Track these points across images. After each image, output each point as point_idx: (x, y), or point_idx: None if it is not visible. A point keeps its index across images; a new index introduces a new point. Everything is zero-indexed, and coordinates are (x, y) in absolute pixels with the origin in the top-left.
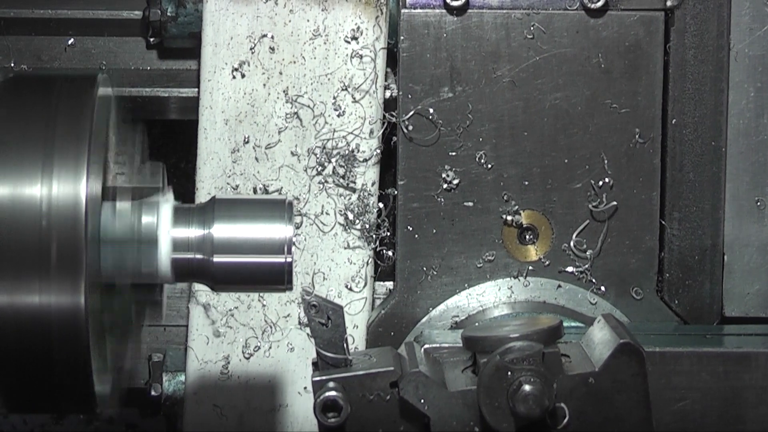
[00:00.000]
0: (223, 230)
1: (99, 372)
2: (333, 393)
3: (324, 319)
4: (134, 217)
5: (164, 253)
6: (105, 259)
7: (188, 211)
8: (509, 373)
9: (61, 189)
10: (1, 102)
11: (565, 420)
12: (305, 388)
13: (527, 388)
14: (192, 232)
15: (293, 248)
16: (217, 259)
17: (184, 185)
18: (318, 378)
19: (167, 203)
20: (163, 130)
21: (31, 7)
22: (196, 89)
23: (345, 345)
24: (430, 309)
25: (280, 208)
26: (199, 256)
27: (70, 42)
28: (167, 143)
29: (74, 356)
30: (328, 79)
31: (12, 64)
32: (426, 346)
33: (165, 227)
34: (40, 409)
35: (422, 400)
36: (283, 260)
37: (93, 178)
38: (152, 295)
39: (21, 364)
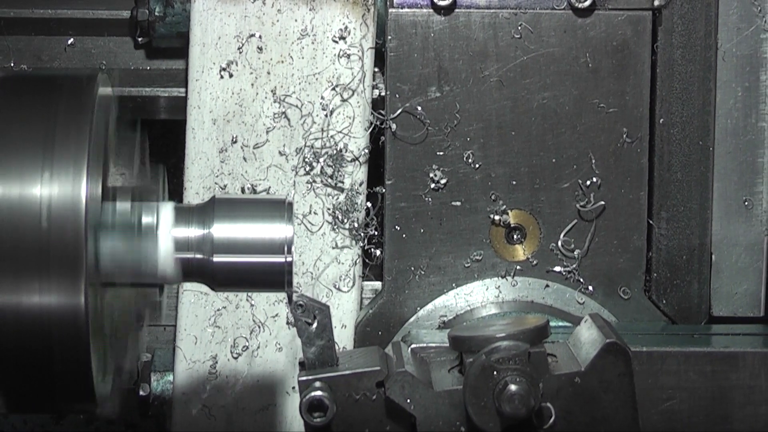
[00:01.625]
0: (222, 230)
1: (99, 372)
2: (319, 393)
3: (311, 319)
4: (134, 217)
5: (164, 253)
6: (105, 259)
7: (188, 211)
8: (495, 372)
9: (61, 189)
10: (2, 102)
11: (552, 420)
12: (293, 387)
13: (513, 387)
14: (192, 232)
15: (293, 248)
16: (217, 259)
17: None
18: (304, 378)
19: (167, 203)
20: (163, 130)
21: (31, 7)
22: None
23: (332, 344)
24: (418, 308)
25: (280, 208)
26: (199, 256)
27: (70, 42)
28: (167, 143)
29: (74, 356)
30: (316, 79)
31: (12, 64)
32: (413, 345)
33: (165, 227)
34: (40, 409)
35: (408, 400)
36: (282, 260)
37: (93, 178)
38: (152, 295)
39: (21, 364)
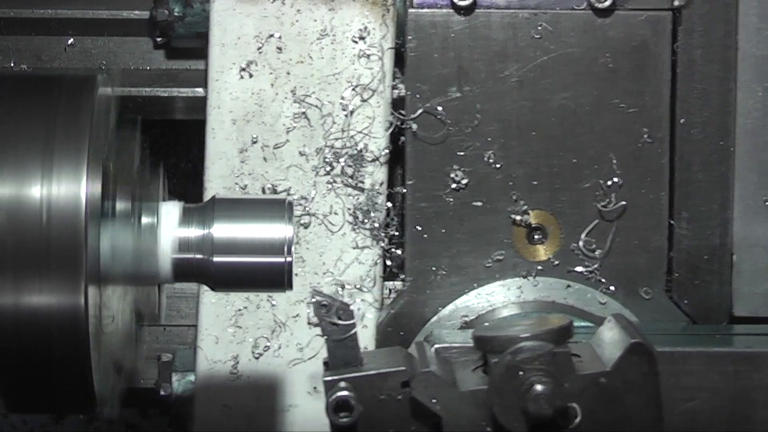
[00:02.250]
0: (223, 230)
1: (99, 372)
2: (345, 393)
3: (335, 319)
4: (134, 217)
5: (164, 253)
6: (105, 259)
7: (188, 211)
8: (520, 372)
9: (61, 189)
10: (2, 102)
11: (577, 420)
12: (314, 387)
13: (539, 387)
14: (192, 232)
15: (293, 248)
16: (217, 259)
17: (184, 185)
18: (329, 378)
19: (167, 203)
20: (163, 130)
21: (31, 7)
22: (197, 89)
23: (356, 345)
24: (440, 309)
25: (280, 208)
26: (199, 256)
27: (70, 42)
28: (167, 143)
29: (74, 356)
30: (336, 79)
31: (12, 64)
32: (436, 345)
33: (165, 227)
34: (40, 409)
35: (434, 400)
36: (283, 260)
37: (93, 178)
38: (152, 296)
39: (21, 364)
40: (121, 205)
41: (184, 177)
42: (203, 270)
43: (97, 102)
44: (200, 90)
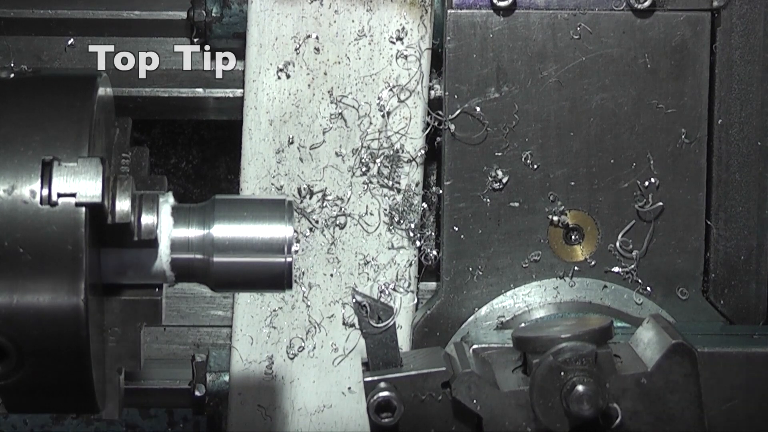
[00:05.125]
0: (223, 230)
1: (99, 372)
2: (386, 393)
3: (375, 320)
4: (134, 217)
5: (164, 254)
6: (105, 259)
7: (188, 211)
8: (562, 373)
9: (61, 189)
10: (1, 102)
11: (618, 420)
12: (349, 388)
13: (581, 388)
14: (192, 233)
15: (293, 248)
16: (217, 259)
17: (184, 185)
18: (370, 378)
19: (167, 203)
20: (163, 130)
21: (31, 7)
22: (196, 89)
23: (396, 345)
24: (476, 309)
25: (280, 208)
26: (199, 256)
27: (70, 42)
28: (167, 143)
29: (74, 356)
30: (373, 80)
31: (12, 64)
32: (474, 346)
33: (165, 227)
34: (40, 409)
35: (474, 401)
36: (283, 260)
37: (93, 178)
38: (152, 296)
39: (21, 364)
40: (121, 205)
41: (184, 177)
42: (203, 270)
43: (96, 102)
44: (200, 90)
